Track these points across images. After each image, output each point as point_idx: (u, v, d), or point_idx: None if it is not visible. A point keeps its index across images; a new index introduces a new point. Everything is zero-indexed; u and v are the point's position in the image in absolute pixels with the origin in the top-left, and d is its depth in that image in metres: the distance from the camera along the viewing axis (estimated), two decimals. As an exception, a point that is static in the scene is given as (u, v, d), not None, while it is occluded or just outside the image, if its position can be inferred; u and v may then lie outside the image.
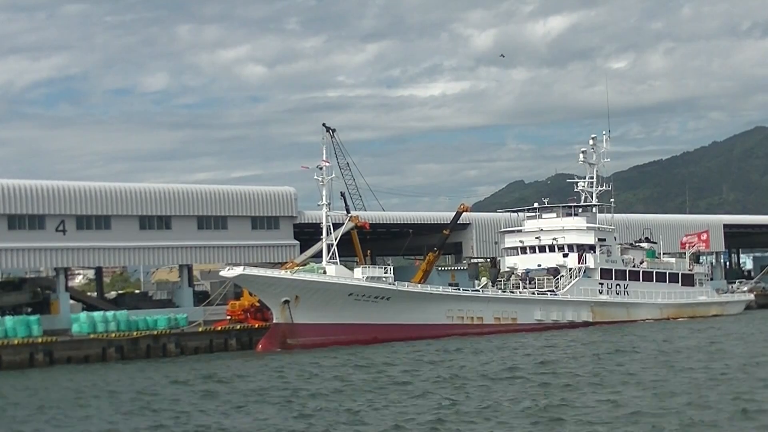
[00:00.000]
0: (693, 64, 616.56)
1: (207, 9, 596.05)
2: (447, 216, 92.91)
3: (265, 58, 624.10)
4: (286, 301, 69.13)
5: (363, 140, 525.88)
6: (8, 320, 64.21)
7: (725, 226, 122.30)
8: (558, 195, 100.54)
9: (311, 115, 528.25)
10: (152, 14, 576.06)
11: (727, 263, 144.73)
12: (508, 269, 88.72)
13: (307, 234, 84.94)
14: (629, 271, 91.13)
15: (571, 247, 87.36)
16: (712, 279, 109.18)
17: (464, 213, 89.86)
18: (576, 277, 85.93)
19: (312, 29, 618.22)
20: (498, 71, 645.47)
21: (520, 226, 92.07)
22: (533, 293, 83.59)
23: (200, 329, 70.32)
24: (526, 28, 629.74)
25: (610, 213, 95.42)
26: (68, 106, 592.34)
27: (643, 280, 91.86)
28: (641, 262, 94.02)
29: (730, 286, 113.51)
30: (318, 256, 76.09)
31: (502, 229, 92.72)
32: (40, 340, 62.87)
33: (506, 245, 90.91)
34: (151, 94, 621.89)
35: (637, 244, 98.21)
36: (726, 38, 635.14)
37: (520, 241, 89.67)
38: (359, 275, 73.15)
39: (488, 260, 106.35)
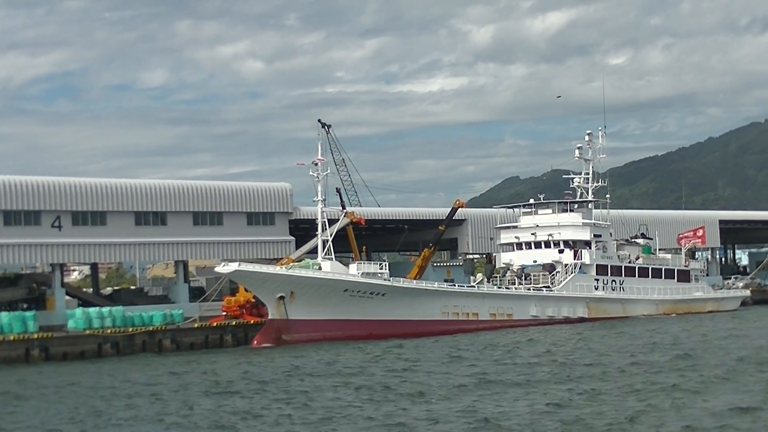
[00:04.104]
0: (691, 59, 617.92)
1: (206, 5, 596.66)
2: (442, 212, 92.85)
3: (264, 54, 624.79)
4: (282, 297, 69.15)
5: (361, 136, 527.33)
6: (4, 316, 64.15)
7: (721, 222, 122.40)
8: (553, 191, 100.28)
9: (309, 111, 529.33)
10: (151, 10, 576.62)
11: (723, 259, 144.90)
12: (504, 265, 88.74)
13: (303, 230, 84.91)
14: (625, 267, 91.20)
15: (566, 243, 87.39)
16: (707, 275, 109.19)
17: (460, 209, 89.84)
18: (571, 273, 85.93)
19: (311, 25, 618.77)
20: (496, 67, 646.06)
21: (516, 222, 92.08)
22: (529, 289, 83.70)
23: (196, 325, 70.35)
24: (525, 24, 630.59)
25: (606, 209, 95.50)
26: (67, 102, 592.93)
27: (638, 276, 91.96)
28: (637, 258, 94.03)
29: (726, 282, 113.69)
30: (313, 252, 76.10)
31: (498, 225, 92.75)
32: (35, 335, 62.84)
33: (502, 241, 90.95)
34: (149, 90, 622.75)
35: (632, 240, 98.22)
36: (725, 34, 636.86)
37: (516, 237, 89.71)
38: (354, 271, 73.17)
39: (484, 256, 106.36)
